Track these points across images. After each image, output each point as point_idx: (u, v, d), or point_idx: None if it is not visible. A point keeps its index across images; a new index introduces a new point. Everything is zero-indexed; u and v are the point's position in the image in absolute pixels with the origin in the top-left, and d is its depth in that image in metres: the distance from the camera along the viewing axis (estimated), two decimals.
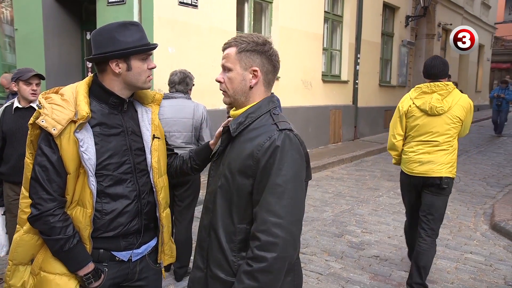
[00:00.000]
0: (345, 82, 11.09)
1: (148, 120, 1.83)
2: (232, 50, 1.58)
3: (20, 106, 3.22)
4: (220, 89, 1.62)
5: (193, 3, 6.73)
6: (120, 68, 1.68)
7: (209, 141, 1.91)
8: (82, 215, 1.65)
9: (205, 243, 1.62)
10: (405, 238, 3.92)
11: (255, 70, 1.57)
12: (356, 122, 11.52)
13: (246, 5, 8.19)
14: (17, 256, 1.72)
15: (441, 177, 3.32)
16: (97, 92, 1.71)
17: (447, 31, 17.30)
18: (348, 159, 9.07)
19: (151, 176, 1.79)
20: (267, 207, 1.42)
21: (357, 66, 11.24)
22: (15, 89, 3.27)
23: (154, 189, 1.81)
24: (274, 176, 1.43)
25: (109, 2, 6.46)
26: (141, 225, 1.78)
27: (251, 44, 1.56)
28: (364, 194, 6.57)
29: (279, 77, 8.66)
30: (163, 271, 1.99)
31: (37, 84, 3.20)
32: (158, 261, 1.94)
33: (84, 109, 1.61)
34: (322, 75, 10.18)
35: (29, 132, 1.68)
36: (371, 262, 4.12)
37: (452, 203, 6.15)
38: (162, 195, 1.84)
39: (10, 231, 3.18)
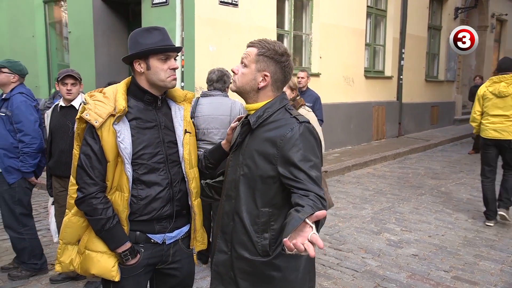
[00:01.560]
0: (389, 77, 10.83)
1: (180, 116, 1.99)
2: (253, 50, 1.75)
3: (63, 105, 3.45)
4: (232, 78, 1.82)
5: (233, 2, 6.85)
6: (142, 68, 1.86)
7: (221, 141, 2.05)
8: (120, 199, 1.84)
9: (228, 228, 1.79)
10: (482, 192, 5.24)
11: (266, 75, 1.73)
12: (400, 119, 11.22)
13: (286, 2, 8.21)
14: (66, 236, 1.94)
15: (509, 140, 4.88)
16: (134, 90, 1.90)
17: (502, 22, 16.42)
18: (391, 156, 8.88)
19: (183, 167, 1.95)
20: (306, 180, 1.57)
21: (402, 61, 10.95)
22: (58, 89, 3.50)
23: (186, 179, 1.96)
24: (296, 159, 1.60)
25: (153, 4, 6.70)
26: (173, 211, 1.93)
27: (270, 51, 1.73)
28: (405, 192, 6.42)
29: (320, 74, 8.63)
30: (195, 256, 2.12)
31: (72, 84, 3.36)
32: (190, 247, 2.08)
33: (122, 104, 1.80)
34: (365, 71, 10.01)
35: (76, 126, 1.88)
36: (409, 260, 4.05)
37: None
38: (193, 185, 1.98)
39: (58, 220, 3.42)
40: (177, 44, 6.50)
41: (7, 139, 3.42)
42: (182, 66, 6.55)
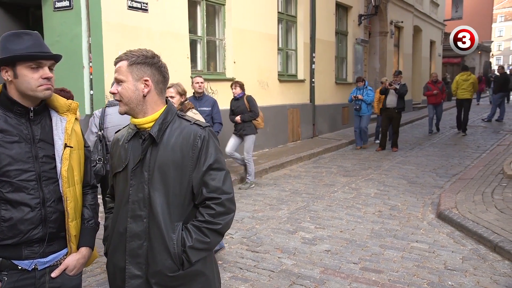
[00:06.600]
0: (302, 81, 11.30)
1: (61, 129, 1.84)
2: (123, 64, 1.73)
3: None
4: (116, 99, 1.77)
5: (143, 7, 6.69)
6: (9, 76, 1.72)
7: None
8: None
9: (141, 250, 1.72)
10: (456, 121, 12.58)
11: (146, 80, 1.74)
12: (314, 120, 11.75)
13: (198, 7, 8.22)
14: None
15: (468, 98, 12.21)
16: (2, 100, 1.75)
17: (399, 28, 17.92)
18: (306, 157, 9.26)
19: (60, 185, 1.80)
20: (215, 185, 1.73)
21: (313, 65, 11.48)
22: None
23: (62, 198, 1.81)
24: (211, 162, 1.74)
25: (55, 8, 6.32)
26: (46, 233, 1.78)
27: (141, 57, 1.73)
28: (319, 191, 6.75)
29: (235, 78, 8.74)
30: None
31: None
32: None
33: None
34: (278, 74, 10.34)
35: None
36: (322, 256, 4.27)
37: (403, 194, 6.44)
38: (72, 205, 1.84)
39: None
40: (85, 51, 6.20)
41: None
42: (91, 74, 6.26)
